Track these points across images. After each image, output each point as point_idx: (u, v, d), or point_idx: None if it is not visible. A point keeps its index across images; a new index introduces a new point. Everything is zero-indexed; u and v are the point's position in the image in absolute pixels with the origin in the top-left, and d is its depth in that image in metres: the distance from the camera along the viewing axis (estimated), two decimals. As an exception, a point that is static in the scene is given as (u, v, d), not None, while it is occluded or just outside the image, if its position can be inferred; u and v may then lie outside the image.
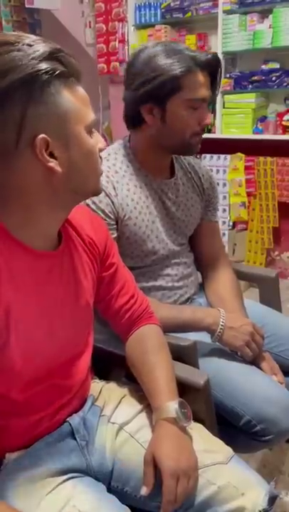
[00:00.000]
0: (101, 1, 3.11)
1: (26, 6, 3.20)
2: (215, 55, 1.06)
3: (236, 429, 1.03)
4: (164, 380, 0.86)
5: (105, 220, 1.04)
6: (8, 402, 0.73)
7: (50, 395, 0.78)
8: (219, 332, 1.06)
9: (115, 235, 1.08)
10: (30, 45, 0.62)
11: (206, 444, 0.83)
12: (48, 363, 0.77)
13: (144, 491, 0.76)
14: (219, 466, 0.79)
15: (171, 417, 0.80)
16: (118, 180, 1.10)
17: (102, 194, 1.04)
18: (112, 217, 1.07)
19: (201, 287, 1.32)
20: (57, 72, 0.62)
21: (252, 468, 1.46)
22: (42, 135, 0.63)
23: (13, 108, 0.61)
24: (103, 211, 1.05)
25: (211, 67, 1.05)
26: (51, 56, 0.62)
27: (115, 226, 1.08)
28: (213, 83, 1.08)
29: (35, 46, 0.62)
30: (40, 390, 0.76)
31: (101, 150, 0.73)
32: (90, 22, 3.34)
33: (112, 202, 1.07)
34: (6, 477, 0.75)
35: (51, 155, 0.65)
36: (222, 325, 1.06)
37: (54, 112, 0.64)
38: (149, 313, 0.97)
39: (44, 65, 0.61)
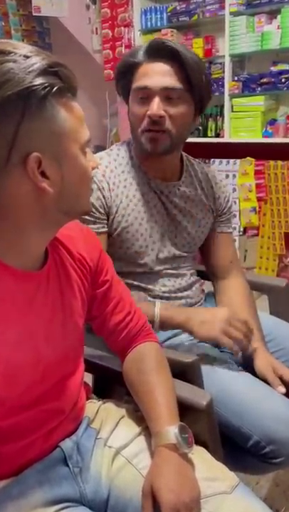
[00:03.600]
0: (107, 6, 3.10)
1: (34, 14, 3.22)
2: (155, 40, 1.03)
3: (244, 451, 0.97)
4: (163, 403, 0.80)
5: (94, 213, 1.03)
6: None
7: (38, 418, 0.74)
8: (192, 329, 1.01)
9: (104, 230, 1.06)
10: (26, 57, 0.58)
11: (208, 471, 0.77)
12: (34, 388, 0.72)
13: None
14: (222, 496, 0.73)
15: (171, 443, 0.75)
16: (115, 175, 1.08)
17: (95, 187, 1.04)
18: (101, 211, 1.05)
19: (207, 297, 1.27)
20: (55, 89, 0.59)
21: (263, 487, 1.39)
22: (35, 153, 0.59)
23: (6, 124, 0.57)
24: (92, 204, 1.03)
25: (158, 53, 1.00)
26: (49, 70, 0.59)
27: (105, 221, 1.07)
28: (185, 71, 0.99)
29: (32, 58, 0.58)
30: (27, 415, 0.71)
31: (93, 168, 0.70)
32: (96, 28, 3.34)
33: (104, 196, 1.05)
34: None
35: (43, 174, 0.61)
36: (194, 321, 1.01)
37: (49, 130, 0.60)
38: (146, 331, 0.92)
39: (41, 80, 0.57)
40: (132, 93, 1.04)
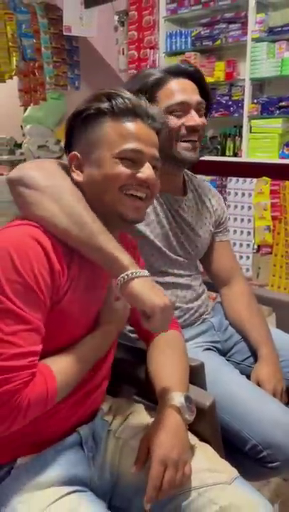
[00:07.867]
0: (134, 29, 3.23)
1: (64, 33, 3.35)
2: (187, 64, 1.14)
3: (243, 455, 1.02)
4: (176, 372, 0.89)
5: None
6: None
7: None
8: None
9: None
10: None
11: (209, 464, 0.83)
12: None
13: (133, 469, 0.80)
14: (222, 486, 0.79)
15: (175, 405, 0.83)
16: None
17: None
18: None
19: (215, 306, 1.34)
20: (95, 109, 0.80)
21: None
22: (74, 152, 0.82)
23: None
24: None
25: (186, 74, 1.11)
26: (101, 97, 0.80)
27: None
28: (202, 89, 1.13)
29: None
30: None
31: (141, 181, 0.80)
32: (123, 49, 3.46)
33: None
34: (13, 481, 0.78)
35: (80, 168, 0.82)
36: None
37: (88, 138, 0.81)
38: (173, 321, 0.99)
39: (91, 104, 0.81)
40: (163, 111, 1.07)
